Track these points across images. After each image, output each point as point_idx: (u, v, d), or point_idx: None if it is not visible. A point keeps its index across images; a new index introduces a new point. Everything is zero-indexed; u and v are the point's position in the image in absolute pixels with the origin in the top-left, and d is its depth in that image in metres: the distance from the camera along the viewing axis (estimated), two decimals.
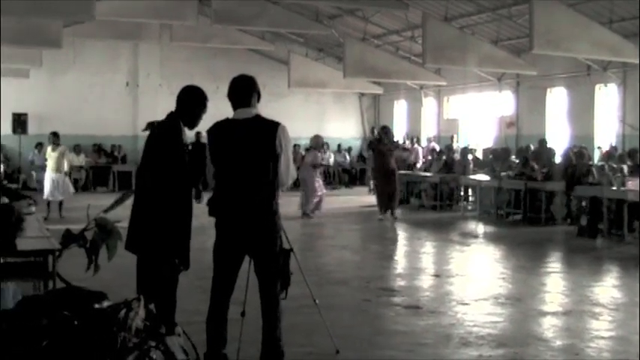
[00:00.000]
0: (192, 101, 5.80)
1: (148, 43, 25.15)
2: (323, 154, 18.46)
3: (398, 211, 17.55)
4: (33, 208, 8.70)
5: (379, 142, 17.67)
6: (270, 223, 5.41)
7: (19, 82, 24.43)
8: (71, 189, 17.13)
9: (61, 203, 16.50)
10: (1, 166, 22.28)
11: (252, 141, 5.36)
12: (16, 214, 5.57)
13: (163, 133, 5.75)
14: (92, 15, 15.64)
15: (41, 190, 17.10)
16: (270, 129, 5.38)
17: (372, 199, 21.02)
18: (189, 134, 5.81)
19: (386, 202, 17.29)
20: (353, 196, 23.80)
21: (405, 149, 22.86)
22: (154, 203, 5.64)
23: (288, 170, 5.45)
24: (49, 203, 16.31)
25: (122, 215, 5.10)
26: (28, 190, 21.38)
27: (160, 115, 6.04)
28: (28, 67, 23.39)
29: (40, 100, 25.25)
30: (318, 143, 18.85)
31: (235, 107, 5.52)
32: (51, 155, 16.53)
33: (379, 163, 17.54)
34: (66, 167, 16.80)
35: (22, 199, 8.90)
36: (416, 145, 25.84)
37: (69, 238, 4.76)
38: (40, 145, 24.71)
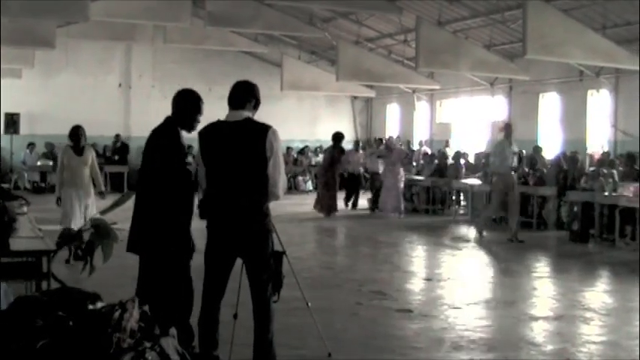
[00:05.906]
0: (187, 104, 5.84)
1: (141, 44, 25.12)
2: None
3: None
4: (25, 209, 8.68)
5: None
6: (260, 226, 5.40)
7: (12, 83, 24.35)
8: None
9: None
10: None
11: (242, 144, 5.33)
12: (8, 214, 5.56)
13: (162, 137, 5.78)
14: (86, 15, 15.65)
15: (66, 216, 10.62)
16: (261, 132, 5.34)
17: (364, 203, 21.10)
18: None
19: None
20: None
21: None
22: (157, 206, 5.68)
23: (277, 174, 5.39)
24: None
25: (119, 217, 5.09)
26: (19, 190, 21.41)
27: (153, 117, 6.05)
28: (21, 67, 23.36)
29: (33, 100, 25.16)
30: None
31: (230, 109, 5.53)
32: (72, 161, 10.82)
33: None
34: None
35: (14, 200, 8.89)
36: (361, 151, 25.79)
37: (66, 239, 4.77)
38: (31, 145, 24.67)
